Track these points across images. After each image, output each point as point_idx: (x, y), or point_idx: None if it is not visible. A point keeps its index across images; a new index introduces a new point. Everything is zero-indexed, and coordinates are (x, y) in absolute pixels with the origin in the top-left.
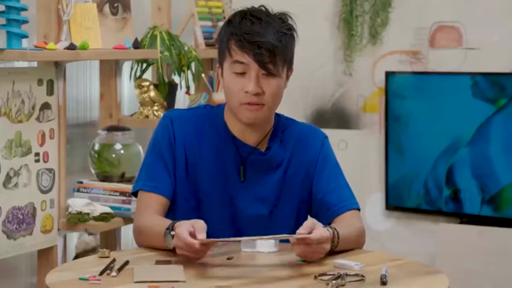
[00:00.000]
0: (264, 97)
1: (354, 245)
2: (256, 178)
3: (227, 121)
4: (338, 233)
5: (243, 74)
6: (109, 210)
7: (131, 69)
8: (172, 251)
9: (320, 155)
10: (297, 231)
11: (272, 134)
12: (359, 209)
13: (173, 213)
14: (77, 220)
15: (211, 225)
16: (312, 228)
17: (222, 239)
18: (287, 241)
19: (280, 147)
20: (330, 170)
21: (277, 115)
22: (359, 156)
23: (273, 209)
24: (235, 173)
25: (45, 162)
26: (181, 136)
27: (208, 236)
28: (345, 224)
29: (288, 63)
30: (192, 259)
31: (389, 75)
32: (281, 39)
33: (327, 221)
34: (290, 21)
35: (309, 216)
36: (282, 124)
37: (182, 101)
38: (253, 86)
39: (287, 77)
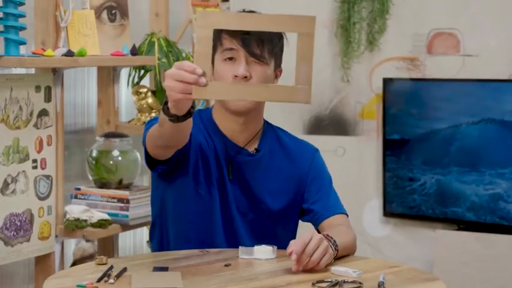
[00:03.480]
0: (252, 82)
1: (350, 251)
2: (244, 178)
3: (216, 120)
4: (333, 239)
5: (232, 60)
6: (106, 216)
7: (129, 75)
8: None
9: (310, 168)
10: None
11: (262, 137)
12: (346, 215)
13: (184, 203)
14: (74, 227)
15: (206, 221)
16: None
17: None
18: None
19: (270, 152)
20: (319, 182)
21: (266, 121)
22: (356, 163)
23: (261, 212)
24: (225, 171)
25: (42, 168)
26: (194, 134)
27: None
28: (337, 230)
29: (275, 56)
30: (183, 90)
31: (386, 81)
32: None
33: (314, 227)
34: None
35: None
36: (272, 130)
37: None
38: (242, 69)
39: (275, 76)
